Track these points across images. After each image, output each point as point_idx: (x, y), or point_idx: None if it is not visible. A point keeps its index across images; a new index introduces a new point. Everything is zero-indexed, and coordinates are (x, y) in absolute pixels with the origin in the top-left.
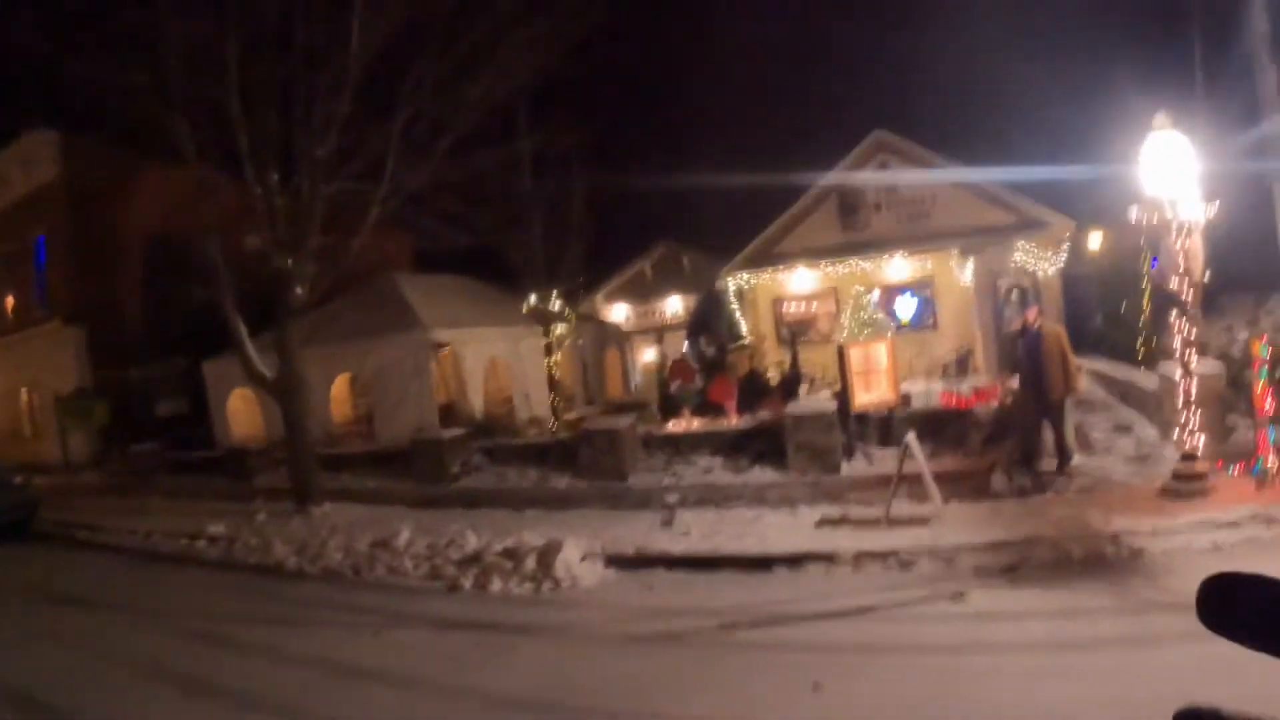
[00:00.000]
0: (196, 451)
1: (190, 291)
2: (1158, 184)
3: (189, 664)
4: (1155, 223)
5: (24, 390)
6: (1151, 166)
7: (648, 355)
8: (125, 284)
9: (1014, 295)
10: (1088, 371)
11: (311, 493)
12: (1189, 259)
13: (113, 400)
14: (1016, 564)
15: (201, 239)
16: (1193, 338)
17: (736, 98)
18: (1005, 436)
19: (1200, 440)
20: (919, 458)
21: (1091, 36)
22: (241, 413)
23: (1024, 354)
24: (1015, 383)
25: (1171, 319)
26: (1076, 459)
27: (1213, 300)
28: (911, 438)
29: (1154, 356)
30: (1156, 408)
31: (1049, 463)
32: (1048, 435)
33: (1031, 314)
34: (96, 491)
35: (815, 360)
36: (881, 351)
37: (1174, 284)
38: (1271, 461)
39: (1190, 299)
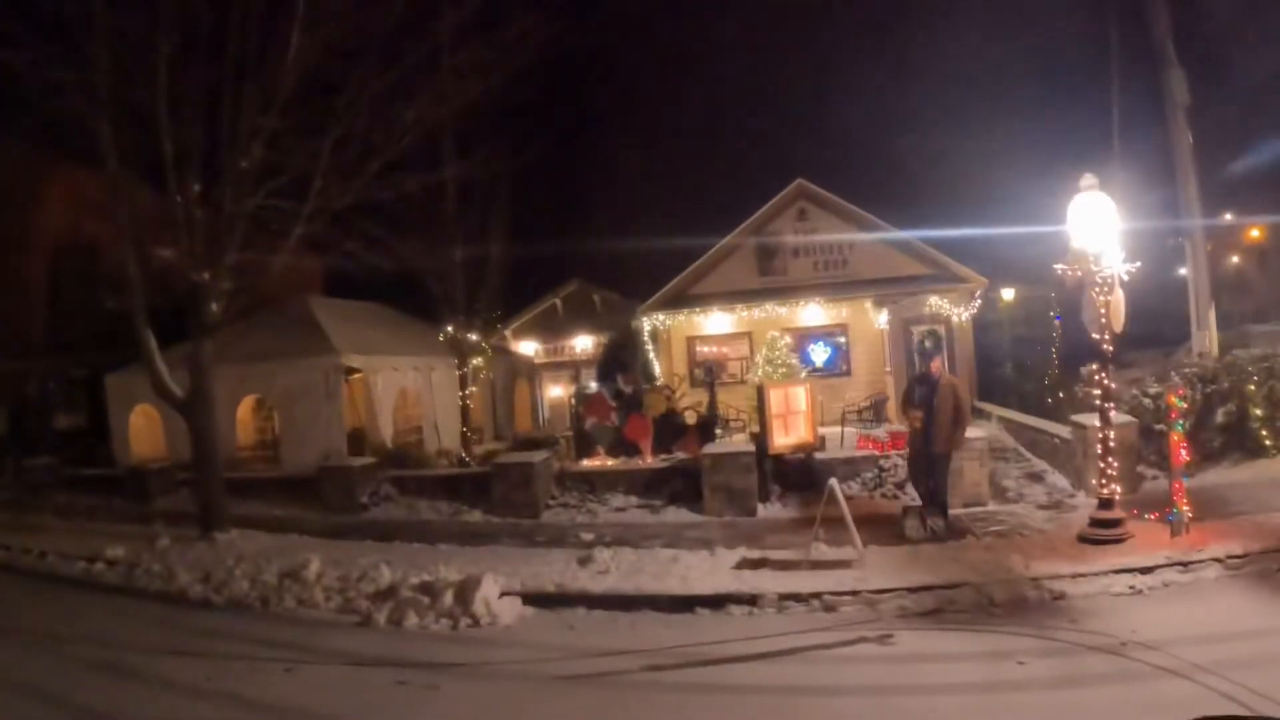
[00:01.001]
0: (95, 469)
1: (97, 301)
2: (1083, 241)
3: (88, 695)
4: (1079, 277)
5: None
6: (1078, 224)
7: (555, 391)
8: (29, 289)
9: (926, 344)
10: (998, 420)
11: (217, 518)
12: (1111, 313)
13: (8, 411)
14: (940, 607)
15: (115, 247)
16: (1112, 389)
17: (661, 139)
18: (919, 482)
19: (1116, 488)
20: (841, 502)
21: (1013, 100)
22: (143, 430)
23: (921, 403)
24: (919, 416)
25: (1090, 370)
26: (991, 506)
27: (1119, 354)
28: (834, 482)
29: (1060, 407)
30: (1068, 457)
31: (955, 508)
32: (976, 476)
33: (934, 364)
34: None
35: (730, 402)
36: (801, 395)
37: (1095, 336)
38: (1185, 509)
39: (1110, 351)
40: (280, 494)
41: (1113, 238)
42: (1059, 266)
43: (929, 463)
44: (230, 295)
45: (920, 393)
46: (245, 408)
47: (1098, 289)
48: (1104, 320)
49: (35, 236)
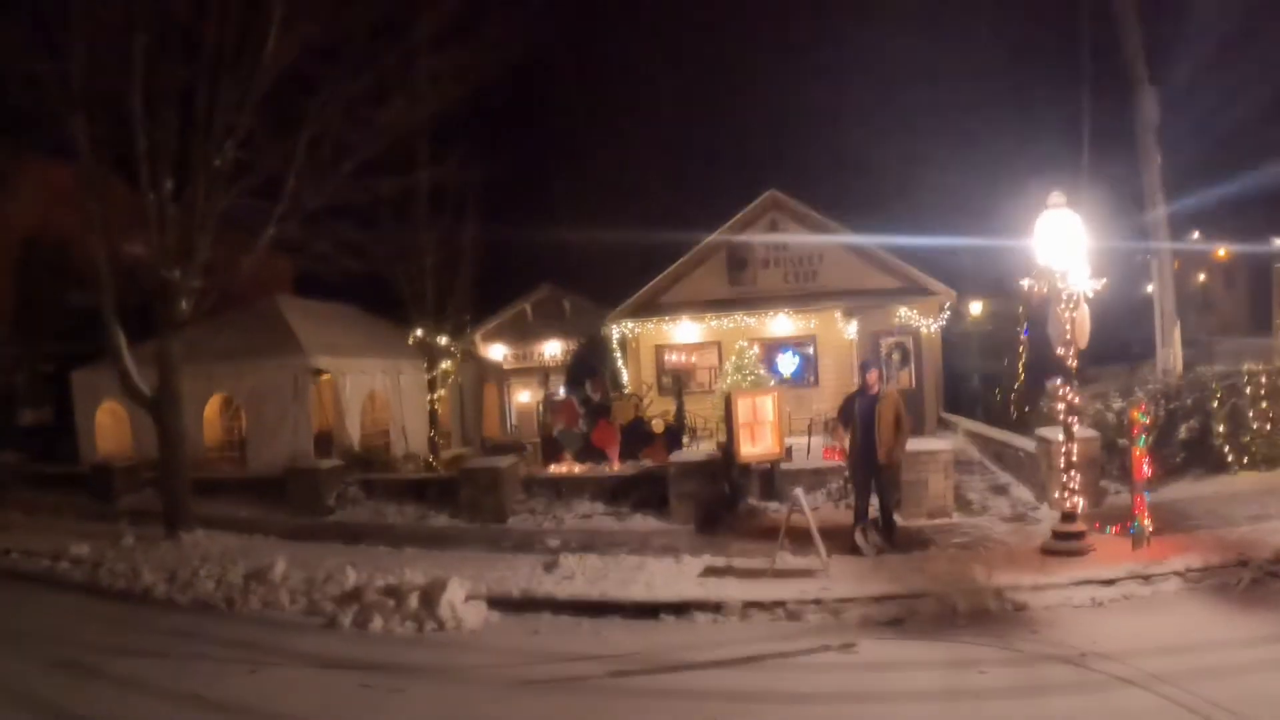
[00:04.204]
0: (60, 465)
1: (65, 296)
2: (1050, 257)
3: (52, 694)
4: (1045, 293)
5: None
6: (1045, 240)
7: (523, 396)
8: None
9: (895, 356)
10: (964, 432)
11: (183, 517)
12: (1076, 329)
13: None
14: (903, 617)
15: (86, 242)
16: (1076, 403)
17: (635, 147)
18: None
19: (1079, 502)
20: (806, 512)
21: (985, 117)
22: (109, 428)
23: (860, 415)
24: (847, 440)
25: (1055, 385)
26: (955, 517)
27: (1084, 370)
28: (799, 493)
29: (1026, 420)
30: (1032, 469)
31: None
32: (940, 488)
33: (872, 376)
34: None
35: (697, 411)
36: (768, 404)
37: (1060, 352)
38: (1147, 523)
39: (1074, 366)
40: (247, 495)
41: (1079, 255)
42: (1025, 282)
43: (874, 477)
44: (200, 293)
45: (860, 406)
46: (212, 407)
47: (1063, 305)
48: (1069, 336)
49: (2, 229)
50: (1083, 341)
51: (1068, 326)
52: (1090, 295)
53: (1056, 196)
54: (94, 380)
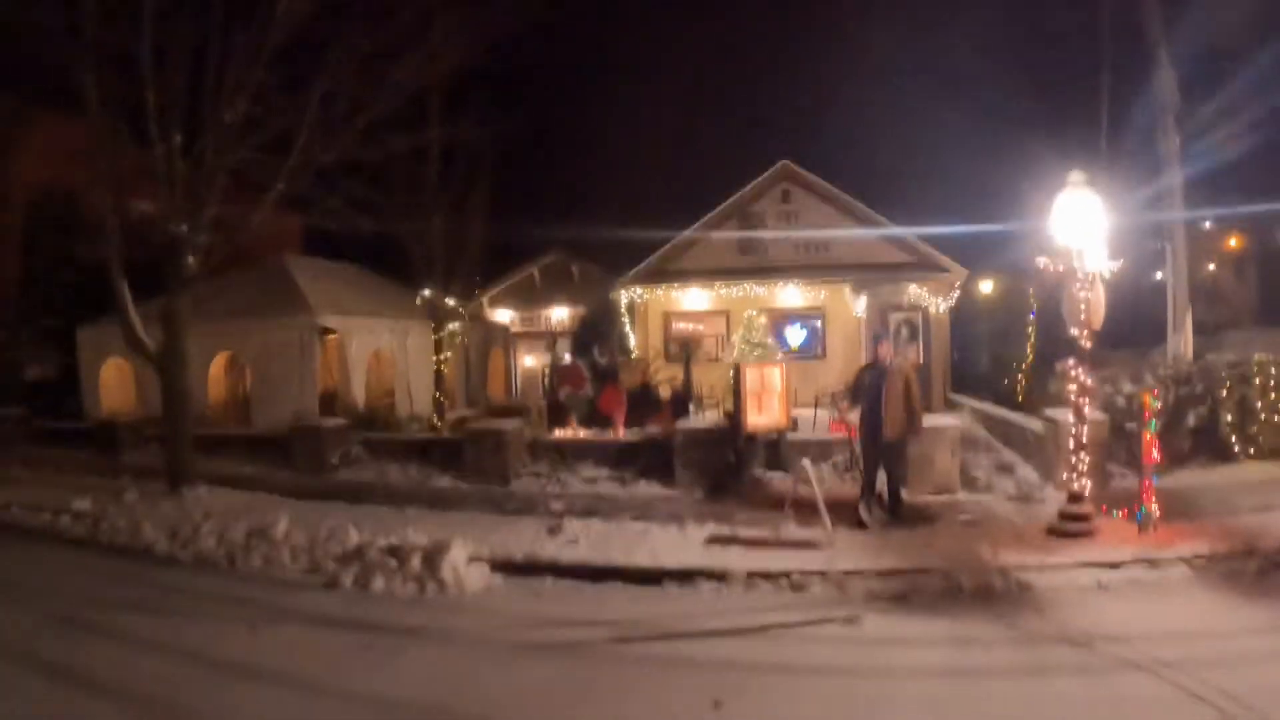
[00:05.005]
0: (64, 421)
1: (73, 251)
2: (1068, 236)
3: (51, 649)
4: (1061, 272)
5: None
6: (1063, 220)
7: (529, 360)
8: (3, 237)
9: (903, 332)
10: (971, 411)
11: (186, 474)
12: (1091, 310)
13: None
14: (907, 592)
15: (93, 197)
16: (1087, 385)
17: (646, 113)
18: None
19: (1087, 483)
20: (813, 483)
21: (1003, 95)
22: (114, 384)
23: (870, 388)
24: (855, 415)
25: (1067, 365)
26: (960, 495)
27: (1094, 352)
28: (807, 463)
29: (1033, 401)
30: (1039, 450)
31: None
32: (947, 465)
33: (884, 349)
34: None
35: (703, 379)
36: (776, 375)
37: (1074, 332)
38: (1154, 508)
39: (1088, 347)
40: (250, 452)
41: (1097, 235)
42: (1041, 260)
43: (881, 451)
44: (208, 249)
45: (871, 378)
46: (218, 365)
47: (1079, 285)
48: (1084, 316)
49: (11, 184)
50: (1097, 322)
51: (1083, 307)
52: (1107, 276)
53: (1076, 175)
54: (100, 336)
